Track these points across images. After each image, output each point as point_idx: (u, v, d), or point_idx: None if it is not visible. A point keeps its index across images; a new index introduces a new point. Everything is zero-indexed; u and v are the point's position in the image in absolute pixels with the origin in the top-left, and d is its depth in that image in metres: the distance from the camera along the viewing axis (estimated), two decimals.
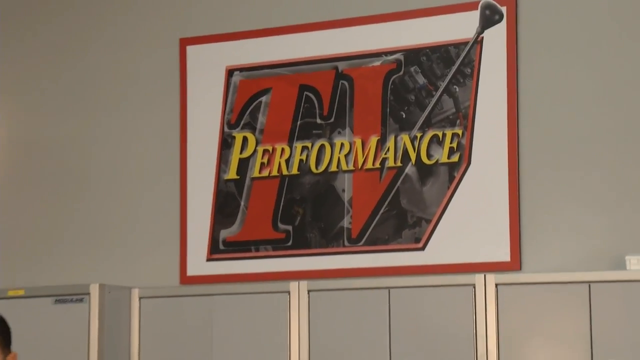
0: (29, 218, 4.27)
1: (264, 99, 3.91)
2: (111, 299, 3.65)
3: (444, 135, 3.55)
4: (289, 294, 3.53)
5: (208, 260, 3.92)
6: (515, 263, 3.51)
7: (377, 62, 3.70)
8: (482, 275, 3.29)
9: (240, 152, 3.97)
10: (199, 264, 3.94)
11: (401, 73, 3.67)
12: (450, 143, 3.62)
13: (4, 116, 4.42)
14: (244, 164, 3.94)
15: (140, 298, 3.79)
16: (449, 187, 3.58)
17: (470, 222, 3.63)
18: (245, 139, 3.97)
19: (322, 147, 3.86)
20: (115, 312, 3.69)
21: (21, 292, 3.63)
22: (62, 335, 3.47)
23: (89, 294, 3.41)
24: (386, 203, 3.72)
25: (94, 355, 3.44)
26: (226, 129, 4.03)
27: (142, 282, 3.85)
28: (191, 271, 3.97)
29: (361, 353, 3.55)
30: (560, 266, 3.37)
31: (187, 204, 4.02)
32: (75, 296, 3.47)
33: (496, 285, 3.30)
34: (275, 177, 3.89)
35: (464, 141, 3.55)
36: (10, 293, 3.73)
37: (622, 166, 3.40)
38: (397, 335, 3.51)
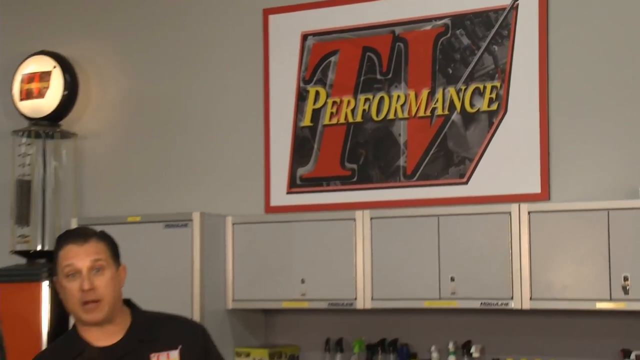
0: (143, 157, 4.65)
1: (332, 59, 4.18)
2: (210, 225, 3.95)
3: (484, 87, 3.79)
4: (355, 221, 3.83)
5: (288, 193, 4.25)
6: (544, 194, 3.75)
7: (428, 27, 3.94)
8: (517, 205, 3.56)
9: (314, 104, 4.25)
10: (280, 196, 4.28)
11: (448, 35, 3.91)
12: (490, 94, 3.84)
13: (123, 77, 4.77)
14: (316, 114, 4.23)
15: (233, 224, 4.08)
16: (488, 131, 3.83)
17: (507, 160, 3.89)
18: (317, 93, 4.25)
19: (381, 99, 4.10)
20: (213, 235, 3.99)
21: (138, 219, 3.95)
22: (171, 254, 3.79)
23: (191, 220, 3.70)
24: (435, 145, 3.98)
25: (197, 270, 3.72)
26: (301, 85, 4.30)
27: (234, 211, 4.17)
28: (274, 202, 4.32)
29: (415, 270, 3.80)
30: (583, 196, 3.57)
31: (270, 147, 4.33)
32: (181, 222, 3.74)
33: (528, 213, 3.57)
34: (342, 124, 4.17)
35: (501, 92, 3.77)
36: (129, 219, 4.07)
37: (636, 110, 3.67)
38: (445, 255, 3.78)
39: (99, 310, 1.94)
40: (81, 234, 2.05)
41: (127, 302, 2.18)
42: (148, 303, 2.27)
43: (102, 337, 2.02)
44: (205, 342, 2.27)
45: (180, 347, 2.13)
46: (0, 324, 2.74)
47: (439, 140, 3.98)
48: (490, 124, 3.85)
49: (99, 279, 1.95)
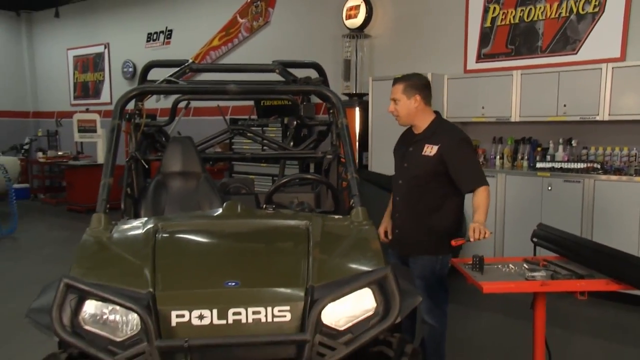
0: (402, 46, 6.80)
1: None
2: (435, 79, 5.63)
3: None
4: (512, 76, 5.53)
5: (476, 62, 6.26)
6: (622, 57, 5.30)
7: None
8: (605, 64, 5.11)
9: (492, 13, 6.05)
10: (472, 64, 6.28)
11: None
12: (594, 2, 5.42)
13: (395, 4, 6.97)
14: (493, 19, 6.07)
15: (447, 79, 6.09)
16: (591, 24, 5.50)
17: (600, 40, 5.45)
18: (494, 8, 6.03)
19: (530, 9, 5.84)
20: (438, 85, 5.75)
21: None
22: None
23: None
24: (559, 33, 5.70)
25: None
26: (486, 4, 6.08)
27: (447, 72, 6.12)
28: (469, 67, 6.32)
29: (544, 101, 5.29)
30: None
31: (468, 37, 6.25)
32: None
33: (612, 68, 5.06)
34: (507, 24, 6.01)
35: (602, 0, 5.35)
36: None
37: None
38: (562, 93, 5.29)
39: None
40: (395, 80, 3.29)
41: (437, 113, 3.05)
42: None
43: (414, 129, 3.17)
44: (451, 148, 2.87)
45: (440, 145, 2.90)
46: None
47: (561, 31, 5.72)
48: (593, 20, 5.49)
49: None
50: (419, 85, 2.97)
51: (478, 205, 2.86)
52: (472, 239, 2.70)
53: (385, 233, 3.23)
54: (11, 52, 12.88)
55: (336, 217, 2.73)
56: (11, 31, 12.88)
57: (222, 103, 4.93)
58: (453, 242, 2.82)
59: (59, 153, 11.14)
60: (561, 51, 5.77)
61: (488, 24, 6.26)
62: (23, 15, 12.90)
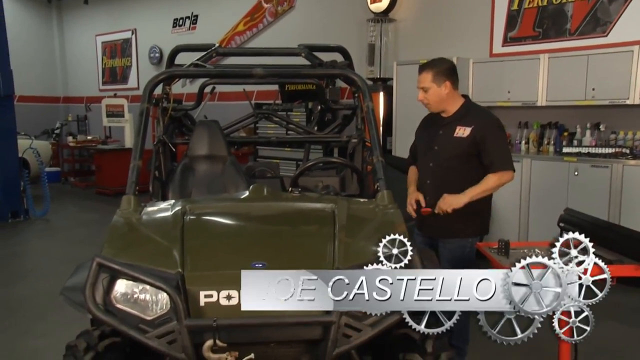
0: (424, 30, 6.79)
1: None
2: (460, 63, 5.45)
3: None
4: (540, 60, 5.48)
5: (502, 46, 6.18)
6: None
7: None
8: (637, 46, 5.04)
9: (511, 2, 6.02)
10: (498, 47, 6.22)
11: None
12: None
13: None
14: (520, 2, 5.99)
15: (473, 63, 6.03)
16: (622, 6, 5.38)
17: (631, 22, 5.31)
18: None
19: None
20: (463, 70, 5.64)
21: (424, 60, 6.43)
22: None
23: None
24: (589, 15, 5.57)
25: None
26: None
27: (473, 56, 6.05)
28: (495, 51, 6.25)
29: (571, 84, 5.21)
30: None
31: (494, 21, 6.20)
32: None
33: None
34: (534, 7, 5.91)
35: None
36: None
37: None
38: (590, 75, 5.21)
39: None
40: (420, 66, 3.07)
41: (465, 96, 3.04)
42: None
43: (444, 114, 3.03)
44: (486, 130, 2.87)
45: (473, 127, 2.89)
46: None
47: (592, 12, 5.58)
48: (625, 0, 5.37)
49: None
50: (447, 71, 2.96)
51: (480, 184, 2.89)
52: (437, 209, 2.86)
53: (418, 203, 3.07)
54: (42, 39, 13.07)
55: (361, 200, 2.71)
56: (42, 18, 13.06)
57: (247, 88, 4.90)
58: (422, 211, 2.96)
59: (88, 137, 11.33)
60: (591, 33, 5.65)
61: (515, 6, 6.15)
62: (54, 3, 13.04)
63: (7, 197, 7.59)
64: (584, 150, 5.41)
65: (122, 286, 1.94)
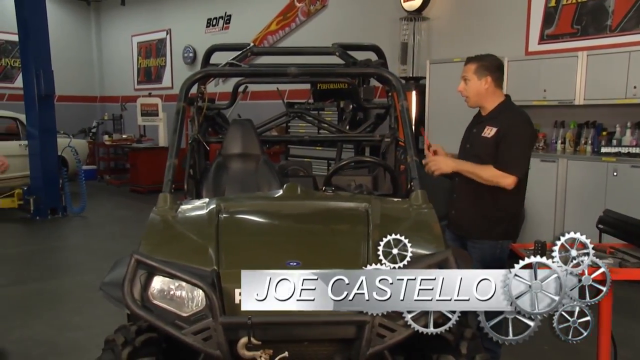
0: (460, 28, 6.69)
1: None
2: None
3: None
4: (578, 57, 5.34)
5: (539, 44, 6.05)
6: None
7: None
8: None
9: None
10: (534, 45, 6.09)
11: None
12: None
13: None
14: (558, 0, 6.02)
15: (508, 61, 5.70)
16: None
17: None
18: None
19: None
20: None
21: (459, 59, 6.07)
22: None
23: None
24: (631, 12, 5.37)
25: None
26: None
27: (508, 54, 5.78)
28: (530, 49, 6.12)
29: (611, 83, 5.10)
30: None
31: (530, 18, 6.06)
32: None
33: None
34: (573, 3, 5.78)
35: None
36: (455, 59, 6.00)
37: None
38: (631, 74, 5.08)
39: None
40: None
41: (507, 96, 2.95)
42: None
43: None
44: (507, 130, 2.79)
45: (498, 128, 2.83)
46: None
47: (634, 8, 5.44)
48: None
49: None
50: (492, 66, 2.91)
51: (477, 165, 2.88)
52: (426, 169, 2.90)
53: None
54: (81, 40, 13.41)
55: (395, 199, 2.69)
56: (81, 20, 13.39)
57: (280, 87, 4.91)
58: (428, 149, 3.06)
59: (123, 136, 11.55)
60: (633, 30, 5.50)
61: (552, 3, 6.03)
62: (92, 4, 13.33)
63: (47, 195, 7.76)
64: (624, 150, 5.28)
65: (158, 283, 1.96)
